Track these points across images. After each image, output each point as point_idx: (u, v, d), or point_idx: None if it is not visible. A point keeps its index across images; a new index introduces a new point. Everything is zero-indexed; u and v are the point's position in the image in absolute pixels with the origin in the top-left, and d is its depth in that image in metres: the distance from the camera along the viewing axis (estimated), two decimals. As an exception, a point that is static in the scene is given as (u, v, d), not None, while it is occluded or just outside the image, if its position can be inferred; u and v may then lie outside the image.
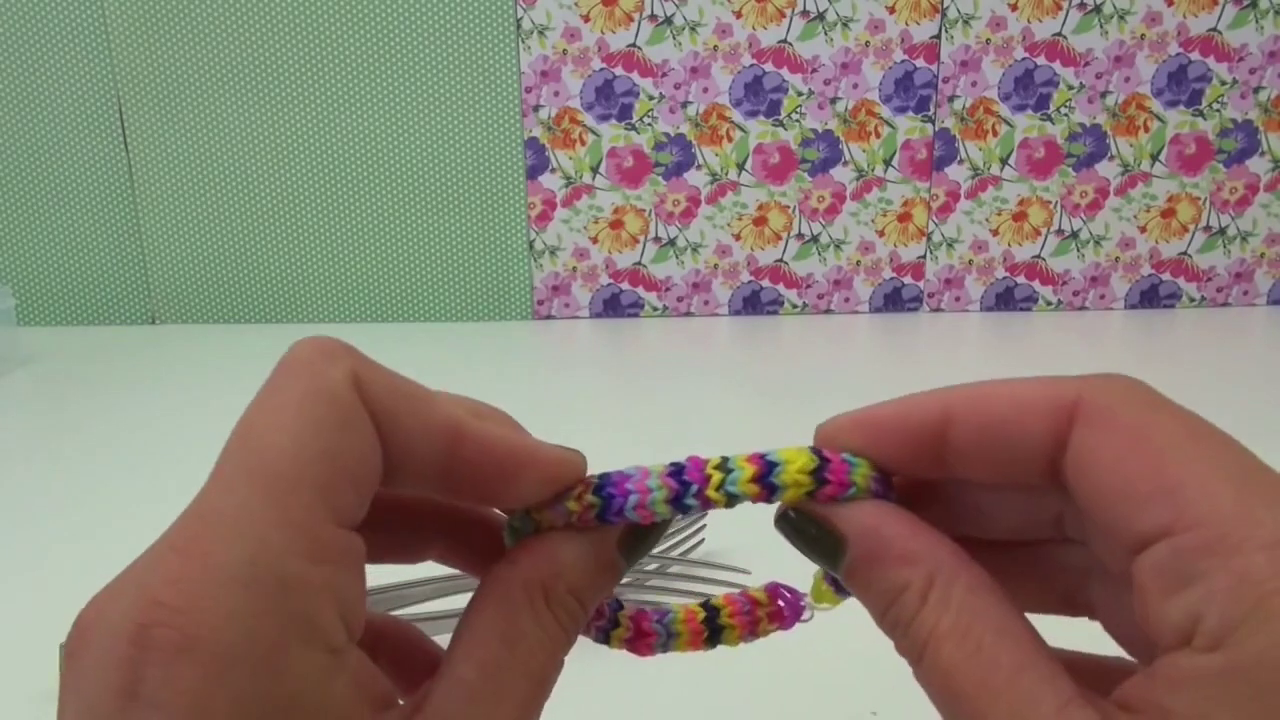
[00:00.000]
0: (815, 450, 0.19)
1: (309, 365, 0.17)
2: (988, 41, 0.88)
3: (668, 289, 0.95)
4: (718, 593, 0.22)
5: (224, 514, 0.15)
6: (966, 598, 0.17)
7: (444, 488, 0.18)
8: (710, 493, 0.19)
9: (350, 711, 0.16)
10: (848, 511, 0.18)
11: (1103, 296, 0.96)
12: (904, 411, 0.19)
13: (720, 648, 0.22)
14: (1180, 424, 0.16)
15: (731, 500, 0.19)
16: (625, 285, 0.95)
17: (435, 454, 0.18)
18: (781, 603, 0.21)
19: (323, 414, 0.16)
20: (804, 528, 0.19)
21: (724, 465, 0.19)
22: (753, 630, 0.21)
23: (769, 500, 0.19)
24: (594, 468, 0.20)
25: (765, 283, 0.95)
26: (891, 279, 0.95)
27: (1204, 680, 0.14)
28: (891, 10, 0.88)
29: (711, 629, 0.21)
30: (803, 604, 0.21)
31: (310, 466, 0.16)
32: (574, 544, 0.19)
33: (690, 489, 0.19)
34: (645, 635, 0.21)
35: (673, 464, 0.19)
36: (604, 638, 0.21)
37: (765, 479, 0.19)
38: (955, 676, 0.16)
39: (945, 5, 0.87)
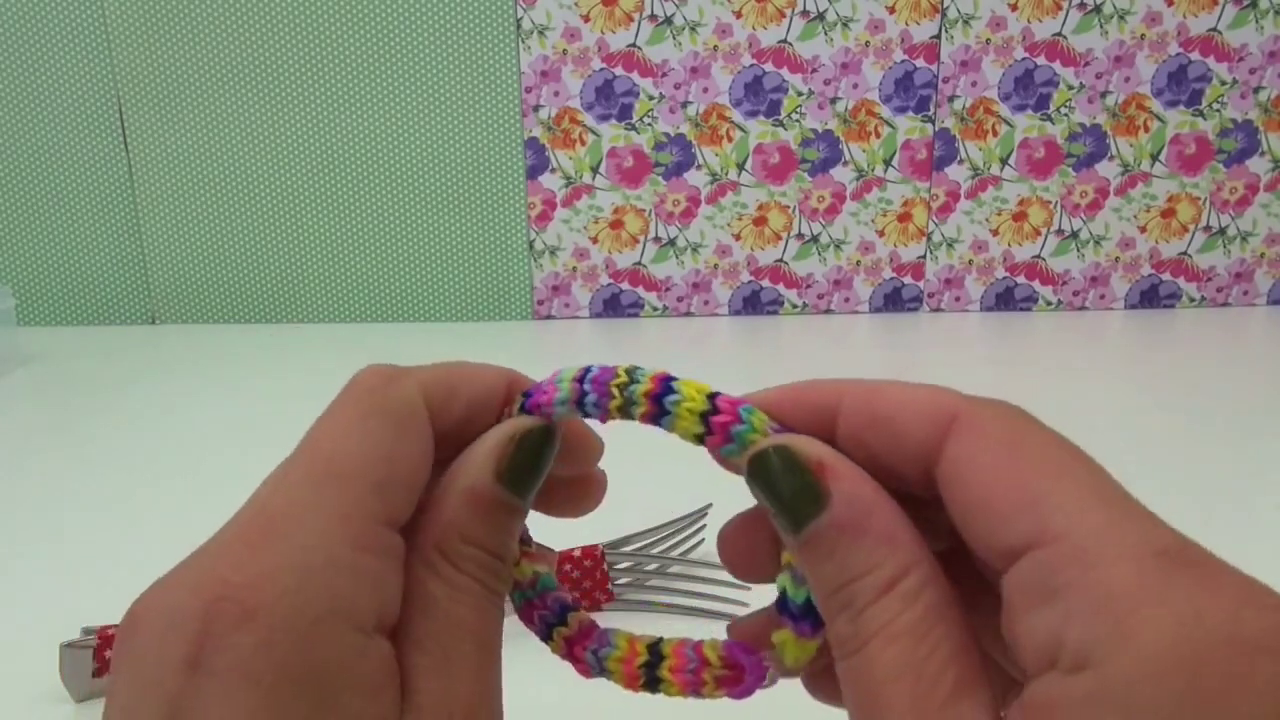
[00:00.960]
0: None
1: (371, 384, 0.19)
2: (988, 41, 0.88)
3: (668, 289, 0.95)
4: (717, 593, 0.21)
5: (284, 509, 0.16)
6: (936, 603, 0.16)
7: None
8: (616, 366, 0.19)
9: (380, 686, 0.16)
10: (840, 468, 0.17)
11: (1103, 296, 0.96)
12: (798, 394, 0.19)
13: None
14: (1051, 444, 0.16)
15: (631, 375, 0.19)
16: (625, 285, 0.95)
17: (501, 397, 0.21)
18: (737, 668, 0.19)
19: (383, 423, 0.18)
20: (785, 474, 0.17)
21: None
22: (696, 692, 0.19)
23: (661, 392, 0.19)
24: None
25: (765, 283, 0.95)
26: (891, 279, 0.95)
27: (1072, 707, 0.14)
28: (891, 10, 0.88)
29: (649, 678, 0.19)
30: (765, 665, 0.19)
31: (369, 468, 0.17)
32: (449, 493, 0.19)
33: (591, 369, 0.20)
34: (578, 660, 0.20)
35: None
36: (545, 642, 0.21)
37: (665, 380, 0.19)
38: (890, 685, 0.15)
39: (945, 5, 0.87)
